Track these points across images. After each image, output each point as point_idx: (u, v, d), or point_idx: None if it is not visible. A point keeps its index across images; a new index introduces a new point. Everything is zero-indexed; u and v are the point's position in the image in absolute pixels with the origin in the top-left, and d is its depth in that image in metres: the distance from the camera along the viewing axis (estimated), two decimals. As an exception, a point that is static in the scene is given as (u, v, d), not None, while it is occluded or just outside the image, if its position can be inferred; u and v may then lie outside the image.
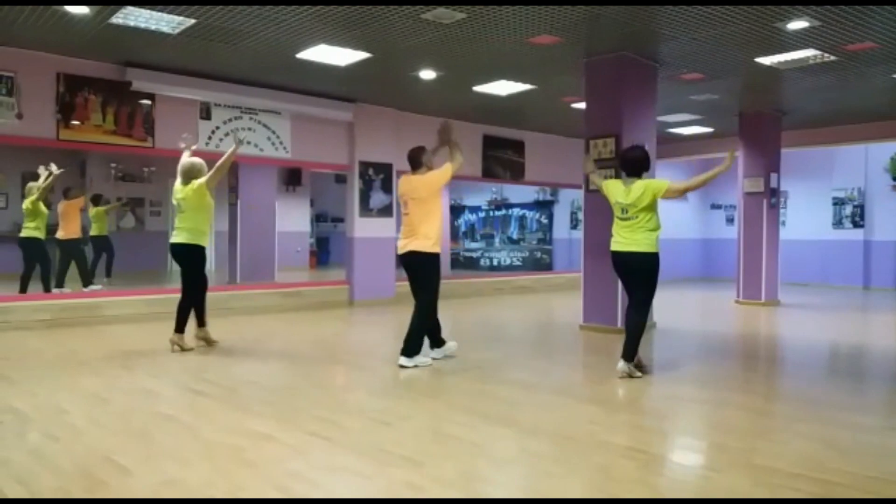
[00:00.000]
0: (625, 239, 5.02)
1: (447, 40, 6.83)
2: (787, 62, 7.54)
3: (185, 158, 6.06)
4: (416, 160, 5.46)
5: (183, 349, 5.84)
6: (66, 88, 7.68)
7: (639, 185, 5.00)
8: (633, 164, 5.14)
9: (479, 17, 6.12)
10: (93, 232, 10.98)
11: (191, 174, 5.88)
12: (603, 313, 7.44)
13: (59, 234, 9.56)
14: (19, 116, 7.41)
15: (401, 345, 5.35)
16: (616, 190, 5.13)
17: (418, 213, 5.33)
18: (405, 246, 5.36)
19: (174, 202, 6.01)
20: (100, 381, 4.74)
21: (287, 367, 5.40)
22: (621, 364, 4.96)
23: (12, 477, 2.87)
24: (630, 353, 4.97)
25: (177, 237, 5.88)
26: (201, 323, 6.13)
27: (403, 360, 5.26)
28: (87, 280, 9.71)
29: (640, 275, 5.00)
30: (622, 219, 5.04)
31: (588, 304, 7.64)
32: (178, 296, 5.99)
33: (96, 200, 11.12)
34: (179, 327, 5.88)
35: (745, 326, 8.28)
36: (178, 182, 5.97)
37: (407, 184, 5.45)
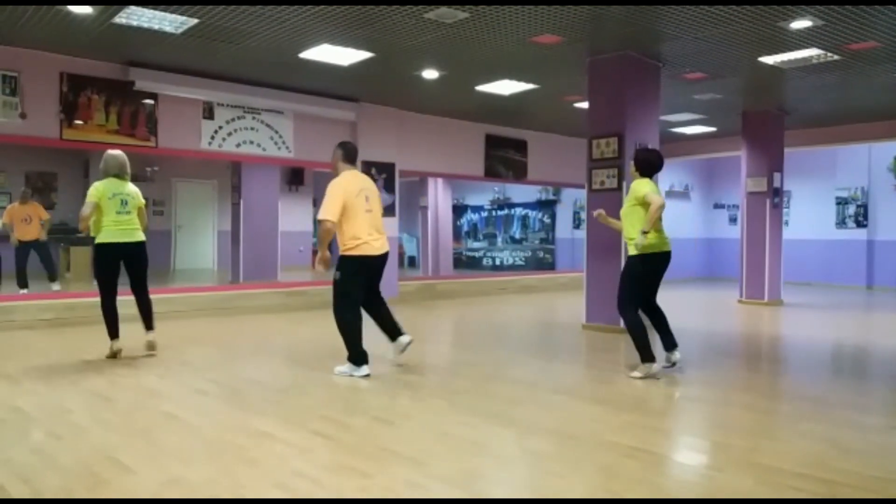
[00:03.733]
0: (666, 238, 5.04)
1: (450, 40, 6.83)
2: (790, 61, 7.53)
3: (118, 151, 5.61)
4: (356, 157, 5.17)
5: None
6: (69, 88, 7.70)
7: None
8: (659, 167, 5.17)
9: (482, 17, 6.12)
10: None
11: (126, 169, 5.50)
12: (605, 313, 7.43)
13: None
14: (23, 116, 7.43)
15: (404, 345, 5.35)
16: (656, 190, 4.98)
17: (378, 213, 5.07)
18: (383, 246, 5.00)
19: (120, 199, 5.36)
20: (103, 379, 4.74)
21: (290, 366, 5.40)
22: (677, 353, 5.15)
23: (16, 475, 2.88)
24: (674, 341, 5.19)
25: (137, 235, 5.43)
26: (151, 325, 5.63)
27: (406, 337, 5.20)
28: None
29: (665, 271, 5.11)
30: (660, 219, 4.94)
31: (591, 304, 7.64)
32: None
33: None
34: (149, 324, 5.59)
35: (748, 326, 8.27)
36: (109, 179, 5.40)
37: (364, 180, 5.07)
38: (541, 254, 16.28)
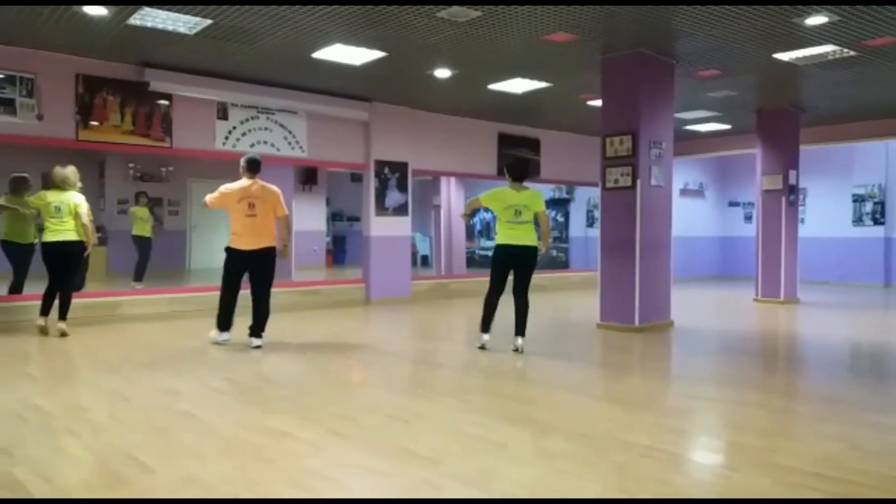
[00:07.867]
0: (522, 235, 5.78)
1: (462, 38, 6.83)
2: (805, 58, 7.46)
3: (65, 168, 6.70)
4: (259, 167, 6.20)
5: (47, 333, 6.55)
6: (85, 89, 7.76)
7: (531, 192, 5.87)
8: (525, 172, 5.96)
9: (494, 15, 6.12)
10: (136, 231, 10.90)
11: (67, 182, 6.63)
12: (620, 312, 7.41)
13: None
14: (39, 117, 7.50)
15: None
16: (507, 194, 5.78)
17: (266, 215, 6.02)
18: (257, 243, 5.96)
19: (54, 206, 6.51)
20: (121, 378, 4.79)
21: (305, 364, 5.42)
22: (521, 341, 5.89)
23: (36, 473, 2.91)
24: (524, 329, 5.96)
25: (65, 235, 6.49)
26: (65, 316, 6.61)
27: (259, 341, 6.02)
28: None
29: (530, 264, 5.90)
30: (516, 221, 5.75)
31: (605, 303, 7.61)
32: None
33: (138, 199, 11.16)
34: (48, 311, 6.62)
35: (764, 325, 8.22)
36: (51, 191, 6.61)
37: (255, 189, 6.04)
38: (554, 252, 16.24)
